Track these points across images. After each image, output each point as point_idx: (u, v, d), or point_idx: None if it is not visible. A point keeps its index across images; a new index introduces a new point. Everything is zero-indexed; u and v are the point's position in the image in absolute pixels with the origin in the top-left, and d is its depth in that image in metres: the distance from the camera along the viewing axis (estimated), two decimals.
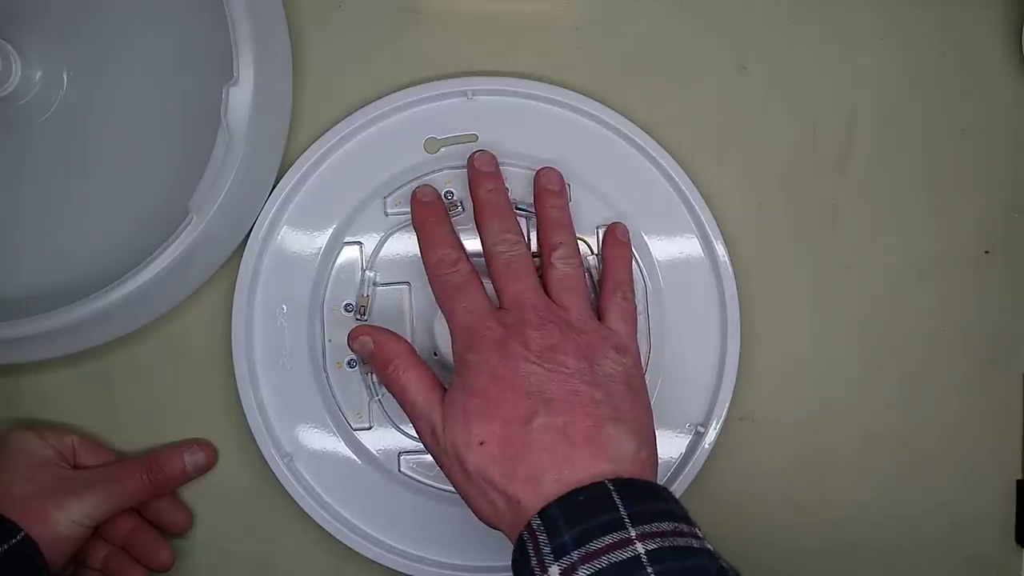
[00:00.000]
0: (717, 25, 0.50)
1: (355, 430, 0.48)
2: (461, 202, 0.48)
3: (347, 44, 0.50)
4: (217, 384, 0.49)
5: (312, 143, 0.48)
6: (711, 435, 0.47)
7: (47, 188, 0.49)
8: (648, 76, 0.50)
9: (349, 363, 0.48)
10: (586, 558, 0.34)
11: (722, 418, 0.47)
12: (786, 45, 0.50)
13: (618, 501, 0.35)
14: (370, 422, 0.48)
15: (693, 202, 0.48)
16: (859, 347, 0.50)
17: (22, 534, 0.42)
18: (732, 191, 0.49)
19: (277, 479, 0.47)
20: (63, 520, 0.44)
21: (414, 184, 0.48)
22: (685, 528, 0.35)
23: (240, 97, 0.43)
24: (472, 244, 0.48)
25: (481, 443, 0.38)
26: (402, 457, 0.48)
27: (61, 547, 0.44)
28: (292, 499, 0.47)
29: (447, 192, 0.48)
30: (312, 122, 0.49)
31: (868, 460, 0.50)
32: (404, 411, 0.42)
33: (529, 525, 0.36)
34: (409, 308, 0.48)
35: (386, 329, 0.44)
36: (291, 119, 0.48)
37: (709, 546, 0.35)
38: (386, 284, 0.48)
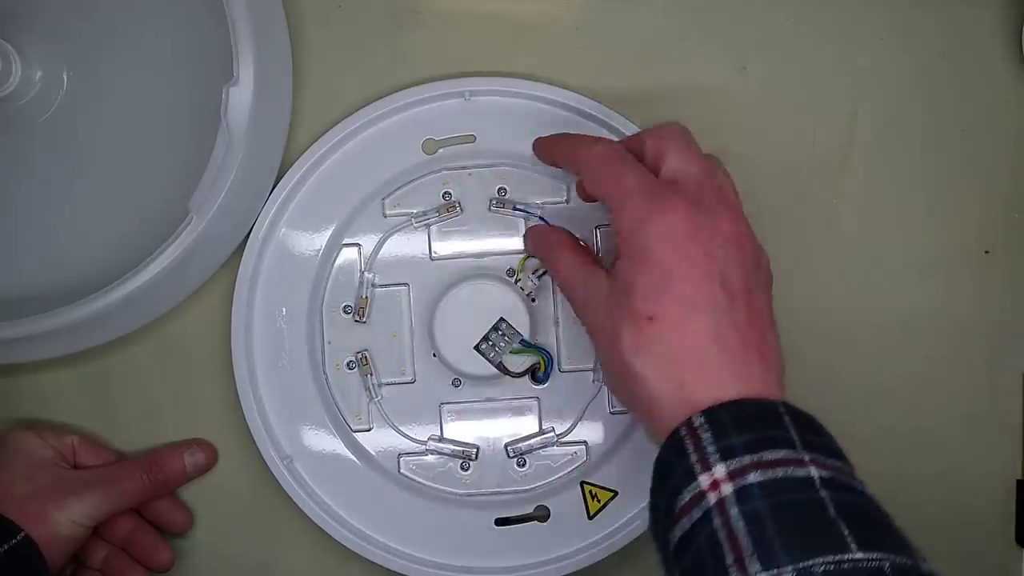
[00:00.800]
0: (717, 25, 0.50)
1: (354, 432, 0.48)
2: (460, 203, 0.48)
3: (347, 44, 0.49)
4: (217, 384, 0.49)
5: (312, 143, 0.48)
6: None
7: (47, 188, 0.49)
8: (648, 76, 0.50)
9: (348, 365, 0.48)
10: (759, 465, 0.32)
11: None
12: (786, 45, 0.50)
13: (789, 424, 0.34)
14: (370, 423, 0.48)
15: None
16: (859, 347, 0.50)
17: (22, 534, 0.42)
18: None
19: (276, 480, 0.47)
20: (63, 520, 0.44)
21: (413, 185, 0.48)
22: (847, 468, 0.34)
23: (240, 97, 0.43)
24: (470, 246, 0.48)
25: (650, 318, 0.36)
26: (402, 458, 0.48)
27: (61, 547, 0.44)
28: (292, 500, 0.47)
29: (445, 193, 0.48)
30: (312, 122, 0.49)
31: (868, 460, 0.49)
32: (561, 288, 0.43)
33: (689, 422, 0.34)
34: (408, 309, 0.48)
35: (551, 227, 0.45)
36: (291, 119, 0.48)
37: (867, 490, 0.34)
38: (385, 285, 0.48)
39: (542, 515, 0.48)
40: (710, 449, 0.33)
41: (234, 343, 0.47)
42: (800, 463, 0.33)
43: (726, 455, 0.33)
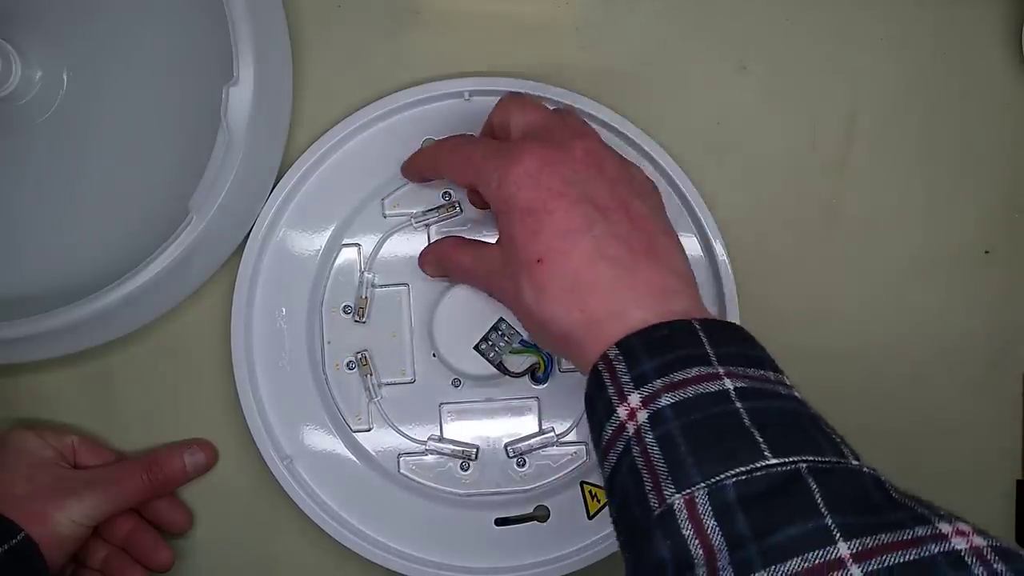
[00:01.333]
0: (717, 25, 0.50)
1: (354, 432, 0.48)
2: (459, 203, 0.48)
3: (347, 44, 0.50)
4: (217, 384, 0.49)
5: (312, 143, 0.48)
6: None
7: (47, 188, 0.49)
8: (648, 76, 0.50)
9: (348, 365, 0.48)
10: (670, 387, 0.32)
11: None
12: (786, 45, 0.50)
13: (704, 339, 0.33)
14: (369, 424, 0.48)
15: (692, 202, 0.48)
16: (859, 347, 0.50)
17: (22, 534, 0.42)
18: (732, 191, 0.49)
19: (276, 480, 0.47)
20: (63, 520, 0.44)
21: (412, 185, 0.48)
22: (772, 376, 0.34)
23: (240, 97, 0.43)
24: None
25: (539, 261, 0.36)
26: (401, 458, 0.48)
27: (61, 547, 0.44)
28: (292, 500, 0.47)
29: (444, 193, 0.48)
30: (312, 122, 0.49)
31: (868, 460, 0.50)
32: (469, 283, 0.44)
33: (605, 355, 0.34)
34: (408, 310, 0.48)
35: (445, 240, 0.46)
36: (291, 119, 0.48)
37: (797, 394, 0.34)
38: (384, 286, 0.48)
39: (542, 515, 0.48)
40: (625, 379, 0.33)
41: (234, 343, 0.47)
42: (713, 377, 0.32)
43: (639, 383, 0.33)
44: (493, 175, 0.38)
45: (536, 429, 0.48)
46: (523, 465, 0.48)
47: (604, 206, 0.37)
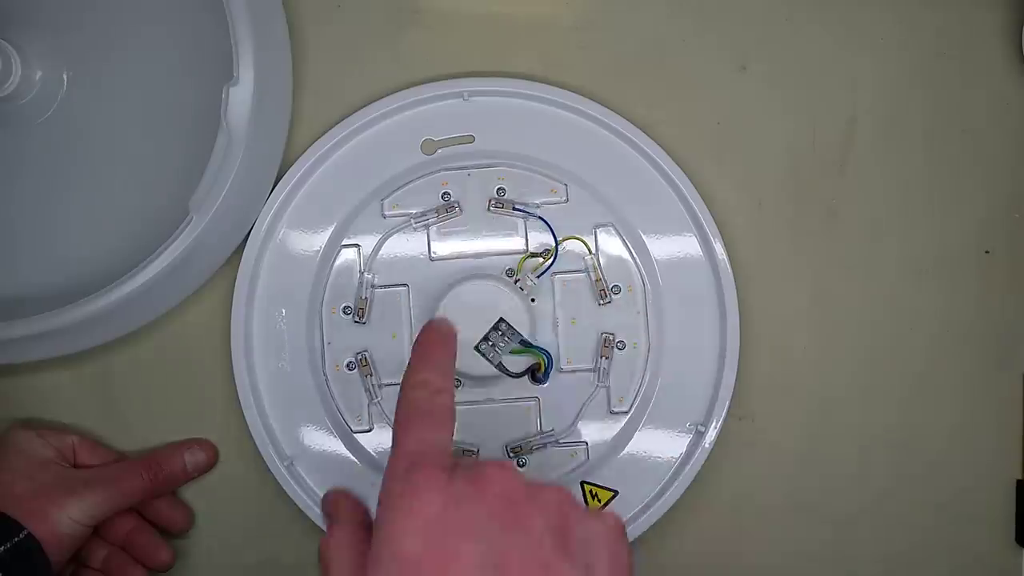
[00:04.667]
0: (717, 25, 0.50)
1: (355, 432, 0.48)
2: (459, 203, 0.48)
3: (347, 44, 0.50)
4: (217, 384, 0.49)
5: (312, 143, 0.48)
6: (711, 435, 0.47)
7: (47, 188, 0.49)
8: (648, 76, 0.50)
9: (348, 365, 0.48)
10: None
11: (722, 418, 0.47)
12: (786, 45, 0.50)
13: None
14: (370, 424, 0.48)
15: (692, 202, 0.48)
16: (859, 347, 0.50)
17: (25, 532, 0.42)
18: (732, 191, 0.49)
19: (276, 480, 0.47)
20: (64, 519, 0.44)
21: (412, 185, 0.48)
22: None
23: (240, 97, 0.43)
24: (469, 246, 0.48)
25: None
26: None
27: (62, 546, 0.44)
28: (292, 500, 0.47)
29: (444, 193, 0.48)
30: (312, 122, 0.49)
31: (868, 460, 0.50)
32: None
33: None
34: (407, 310, 0.48)
35: (347, 496, 0.36)
36: (291, 119, 0.48)
37: None
38: (384, 286, 0.48)
39: None
40: None
41: (234, 343, 0.47)
42: None
43: None
44: (389, 515, 0.30)
45: (536, 429, 0.48)
46: (523, 465, 0.48)
47: (514, 573, 0.28)
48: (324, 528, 0.47)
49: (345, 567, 0.32)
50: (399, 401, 0.34)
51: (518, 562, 0.29)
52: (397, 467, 0.31)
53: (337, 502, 0.35)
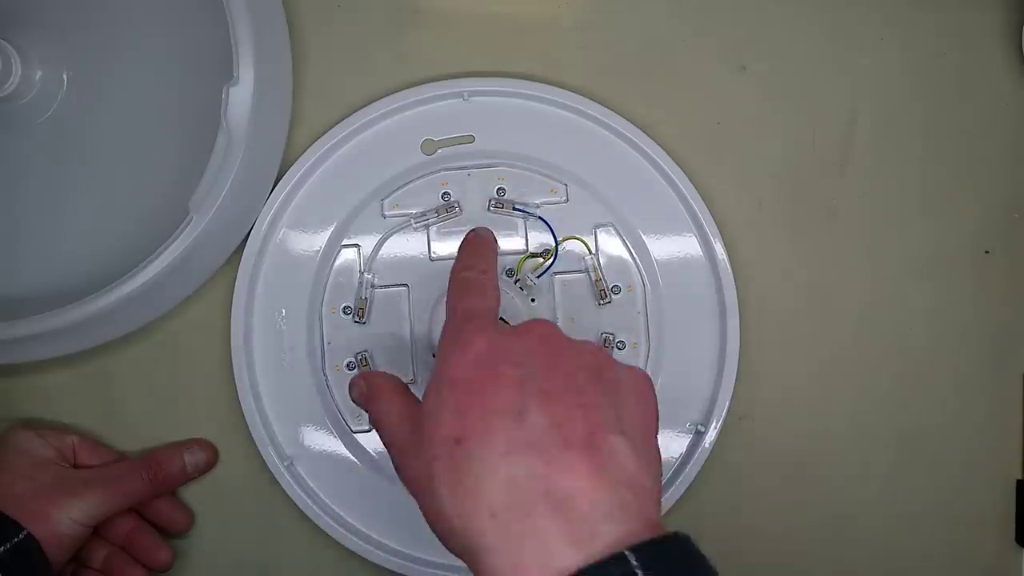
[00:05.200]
0: (717, 25, 0.50)
1: (355, 433, 0.48)
2: (459, 203, 0.48)
3: (347, 44, 0.50)
4: (217, 384, 0.49)
5: (312, 143, 0.48)
6: (711, 434, 0.47)
7: (47, 188, 0.49)
8: (648, 76, 0.50)
9: (348, 365, 0.48)
10: None
11: (722, 417, 0.47)
12: (786, 45, 0.50)
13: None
14: (370, 424, 0.48)
15: (692, 202, 0.48)
16: (859, 347, 0.50)
17: (25, 532, 0.42)
18: (732, 191, 0.49)
19: (277, 480, 0.47)
20: (64, 519, 0.44)
21: (412, 185, 0.48)
22: None
23: (240, 97, 0.43)
24: None
25: (457, 441, 0.31)
26: None
27: (61, 546, 0.44)
28: (292, 500, 0.47)
29: (444, 193, 0.48)
30: (312, 122, 0.49)
31: (868, 460, 0.50)
32: (382, 439, 0.37)
33: None
34: (408, 310, 0.48)
35: (377, 373, 0.39)
36: (291, 119, 0.48)
37: None
38: (384, 286, 0.48)
39: None
40: None
41: (234, 344, 0.47)
42: None
43: None
44: (443, 354, 0.34)
45: None
46: None
47: (550, 389, 0.32)
48: (324, 528, 0.47)
49: (394, 409, 0.36)
50: (450, 283, 0.38)
51: (555, 384, 0.32)
52: (452, 323, 0.35)
53: (370, 377, 0.38)
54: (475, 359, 0.33)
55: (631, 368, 0.35)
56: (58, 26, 0.49)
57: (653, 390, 0.35)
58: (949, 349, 0.50)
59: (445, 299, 0.38)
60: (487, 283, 0.38)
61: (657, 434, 0.34)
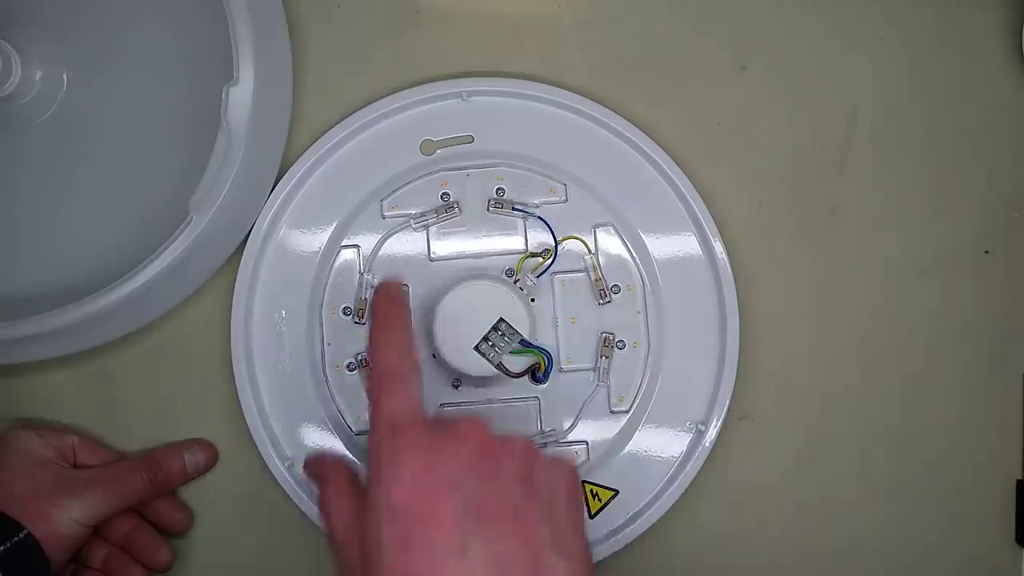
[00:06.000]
0: (717, 25, 0.50)
1: (355, 434, 0.48)
2: (458, 203, 0.48)
3: (347, 44, 0.50)
4: (217, 384, 0.49)
5: (312, 143, 0.48)
6: (711, 434, 0.47)
7: (47, 188, 0.49)
8: (648, 76, 0.50)
9: (348, 366, 0.48)
10: None
11: (722, 417, 0.48)
12: (786, 45, 0.50)
13: None
14: (370, 425, 0.48)
15: (691, 201, 0.48)
16: (859, 347, 0.50)
17: (24, 531, 0.42)
18: (732, 191, 0.49)
19: (277, 480, 0.47)
20: (64, 519, 0.44)
21: (411, 186, 0.48)
22: None
23: (240, 97, 0.43)
24: (469, 246, 0.48)
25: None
26: None
27: (61, 546, 0.44)
28: (292, 500, 0.47)
29: (443, 194, 0.48)
30: (312, 122, 0.49)
31: (868, 460, 0.50)
32: (330, 541, 0.36)
33: None
34: (407, 311, 0.48)
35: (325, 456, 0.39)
36: (291, 119, 0.48)
37: None
38: None
39: None
40: None
41: (234, 344, 0.47)
42: None
43: None
44: (377, 472, 0.34)
45: (537, 429, 0.48)
46: None
47: (489, 515, 0.33)
48: (324, 528, 0.47)
49: (344, 514, 0.35)
50: (371, 369, 0.38)
51: (492, 506, 0.33)
52: (380, 431, 0.35)
53: (320, 463, 0.39)
54: (412, 483, 0.33)
55: (557, 463, 0.36)
56: (58, 26, 0.49)
57: (578, 482, 0.37)
58: (949, 349, 0.50)
59: (367, 388, 0.38)
60: (407, 369, 0.37)
61: (584, 522, 0.36)
